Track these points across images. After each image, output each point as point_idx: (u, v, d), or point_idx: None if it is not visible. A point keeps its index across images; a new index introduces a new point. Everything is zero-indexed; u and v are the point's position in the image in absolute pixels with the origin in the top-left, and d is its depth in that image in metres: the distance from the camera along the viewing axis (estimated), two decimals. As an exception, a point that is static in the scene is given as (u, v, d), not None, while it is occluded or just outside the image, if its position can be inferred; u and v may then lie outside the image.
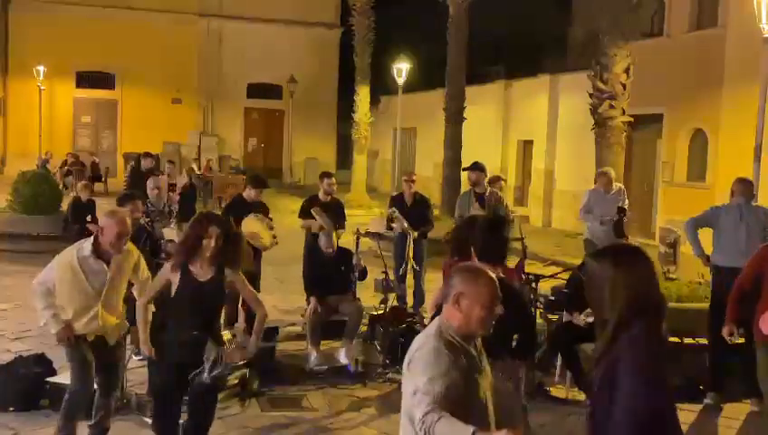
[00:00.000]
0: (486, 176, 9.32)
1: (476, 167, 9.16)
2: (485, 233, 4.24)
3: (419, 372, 2.68)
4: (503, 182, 9.99)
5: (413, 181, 9.54)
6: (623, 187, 9.73)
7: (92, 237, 4.93)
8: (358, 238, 8.36)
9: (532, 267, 8.18)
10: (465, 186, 17.89)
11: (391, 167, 25.66)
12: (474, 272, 2.92)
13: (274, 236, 7.82)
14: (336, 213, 8.60)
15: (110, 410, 5.19)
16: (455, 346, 2.78)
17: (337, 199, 9.11)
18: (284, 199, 22.11)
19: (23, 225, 12.72)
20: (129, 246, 5.11)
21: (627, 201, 9.48)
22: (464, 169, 9.35)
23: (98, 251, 4.87)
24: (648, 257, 2.79)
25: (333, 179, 9.02)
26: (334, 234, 7.89)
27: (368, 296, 8.67)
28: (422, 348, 2.77)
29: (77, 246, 4.96)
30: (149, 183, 8.48)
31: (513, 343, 4.29)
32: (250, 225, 7.62)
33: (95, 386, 5.11)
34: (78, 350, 4.91)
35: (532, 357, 6.07)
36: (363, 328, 7.96)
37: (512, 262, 6.39)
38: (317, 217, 8.17)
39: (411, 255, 8.87)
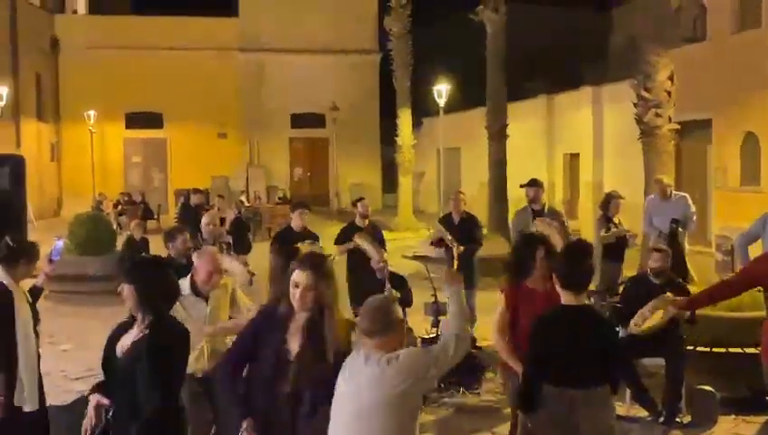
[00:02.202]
0: (544, 191, 9.09)
1: (535, 183, 9.01)
2: (572, 261, 4.06)
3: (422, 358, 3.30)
4: (620, 200, 9.09)
5: (460, 200, 9.39)
6: (686, 194, 9.49)
7: (189, 276, 5.04)
8: (386, 271, 8.06)
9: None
10: (514, 204, 17.76)
11: (437, 188, 25.66)
12: None
13: (329, 255, 7.80)
14: (375, 239, 8.59)
15: None
16: None
17: (374, 224, 9.15)
18: (332, 226, 22.17)
19: (80, 266, 13.00)
20: (225, 279, 5.21)
21: (692, 208, 9.24)
22: (521, 186, 9.15)
23: (195, 289, 5.00)
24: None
25: (366, 201, 9.13)
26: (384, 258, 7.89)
27: (417, 320, 8.63)
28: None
29: None
30: (204, 219, 8.65)
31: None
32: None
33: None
34: (186, 389, 4.87)
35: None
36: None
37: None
38: (363, 243, 8.14)
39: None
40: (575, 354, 3.91)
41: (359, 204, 9.06)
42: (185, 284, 4.99)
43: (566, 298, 3.99)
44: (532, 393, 3.98)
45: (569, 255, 4.13)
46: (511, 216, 17.49)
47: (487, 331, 8.79)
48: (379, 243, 8.65)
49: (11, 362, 4.73)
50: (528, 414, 4.08)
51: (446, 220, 9.38)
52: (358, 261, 8.33)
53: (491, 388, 7.28)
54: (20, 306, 4.76)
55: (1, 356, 4.69)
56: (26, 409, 4.85)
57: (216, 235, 8.52)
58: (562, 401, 3.89)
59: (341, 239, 8.80)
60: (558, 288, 4.04)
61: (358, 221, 8.95)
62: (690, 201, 9.31)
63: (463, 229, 9.10)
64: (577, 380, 3.92)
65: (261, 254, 8.85)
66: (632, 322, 6.14)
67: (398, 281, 7.86)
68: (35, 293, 5.12)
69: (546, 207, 8.82)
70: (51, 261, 5.35)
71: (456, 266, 8.88)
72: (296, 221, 8.35)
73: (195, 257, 5.16)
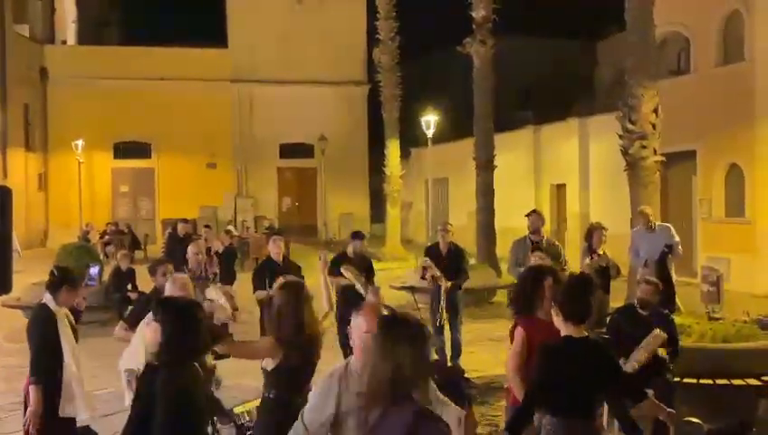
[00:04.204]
0: (544, 223, 9.12)
1: (536, 213, 9.06)
2: (574, 294, 4.08)
3: None
4: (603, 231, 8.97)
5: (447, 231, 9.40)
6: (669, 225, 9.62)
7: None
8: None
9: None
10: (502, 234, 17.80)
11: (425, 218, 25.72)
12: None
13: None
14: (365, 269, 8.58)
15: None
16: None
17: (364, 255, 9.12)
18: (321, 257, 22.13)
19: (65, 296, 12.89)
20: None
21: (676, 237, 9.35)
22: (526, 215, 9.19)
23: None
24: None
25: (365, 242, 9.09)
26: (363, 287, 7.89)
27: (407, 351, 8.58)
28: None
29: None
30: (191, 248, 8.56)
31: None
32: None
33: None
34: None
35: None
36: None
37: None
38: (346, 273, 8.16)
39: (444, 305, 8.81)
40: (581, 386, 3.94)
41: (356, 242, 8.97)
42: None
43: (567, 330, 4.02)
44: (525, 418, 4.00)
45: (571, 288, 4.16)
46: (499, 245, 17.64)
47: (475, 361, 8.80)
48: (368, 272, 8.65)
49: (55, 378, 5.02)
50: None
51: (432, 252, 9.37)
52: (347, 294, 8.30)
53: (478, 420, 7.23)
54: (64, 327, 5.14)
55: (48, 372, 4.99)
56: (81, 417, 5.15)
57: (203, 265, 8.49)
58: (574, 433, 3.91)
59: (333, 270, 8.76)
60: (558, 320, 4.05)
61: (349, 252, 8.94)
62: (674, 231, 9.45)
63: (449, 261, 9.11)
64: (583, 411, 3.97)
65: (248, 284, 8.80)
66: (630, 363, 6.11)
67: None
68: (75, 313, 5.44)
69: (545, 240, 8.83)
70: (86, 286, 5.75)
71: (444, 300, 8.91)
72: (273, 250, 8.29)
73: (167, 284, 5.17)
